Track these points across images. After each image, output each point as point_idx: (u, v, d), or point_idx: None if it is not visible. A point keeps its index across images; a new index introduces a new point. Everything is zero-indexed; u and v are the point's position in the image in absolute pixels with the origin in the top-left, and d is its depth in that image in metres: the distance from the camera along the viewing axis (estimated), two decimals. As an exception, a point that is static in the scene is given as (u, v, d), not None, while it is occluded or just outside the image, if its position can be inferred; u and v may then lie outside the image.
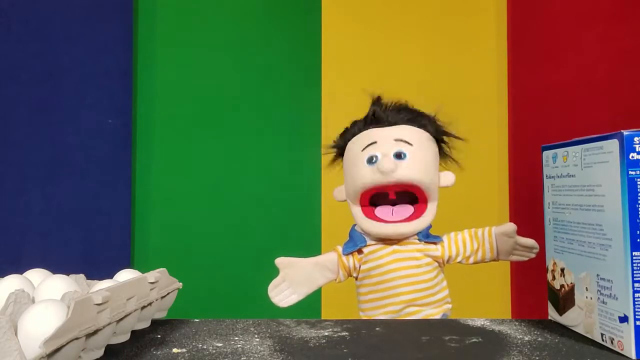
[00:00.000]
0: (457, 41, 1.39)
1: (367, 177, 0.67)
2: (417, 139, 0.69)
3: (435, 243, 0.69)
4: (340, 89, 1.33)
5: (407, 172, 0.66)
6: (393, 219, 0.68)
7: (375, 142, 0.68)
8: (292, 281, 0.68)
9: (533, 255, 0.68)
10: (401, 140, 0.68)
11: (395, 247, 0.68)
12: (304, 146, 1.36)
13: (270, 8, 1.40)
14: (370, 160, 0.67)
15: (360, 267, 0.70)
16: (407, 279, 0.67)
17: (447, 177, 0.72)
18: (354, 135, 0.72)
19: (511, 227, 0.68)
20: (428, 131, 0.71)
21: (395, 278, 0.67)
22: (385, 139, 0.68)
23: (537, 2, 1.33)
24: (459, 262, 0.71)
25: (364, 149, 0.69)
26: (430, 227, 0.70)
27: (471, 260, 0.70)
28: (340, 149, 0.74)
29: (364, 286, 0.70)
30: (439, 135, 0.72)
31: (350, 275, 0.71)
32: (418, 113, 0.72)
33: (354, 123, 0.73)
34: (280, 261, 0.68)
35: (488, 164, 1.36)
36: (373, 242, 0.69)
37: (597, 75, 1.22)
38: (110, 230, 1.29)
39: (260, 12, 1.40)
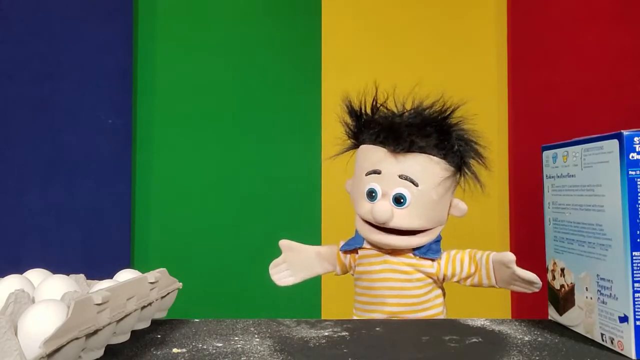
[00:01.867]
0: (457, 41, 1.39)
1: (366, 213, 0.65)
2: (426, 176, 0.64)
3: (432, 260, 0.66)
4: (340, 89, 1.33)
5: (403, 222, 0.64)
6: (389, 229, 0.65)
7: (379, 173, 0.65)
8: (291, 264, 0.70)
9: (535, 290, 0.62)
10: (406, 179, 0.64)
11: (387, 257, 0.66)
12: (304, 146, 1.37)
13: (270, 8, 1.40)
14: (370, 195, 0.65)
15: (355, 267, 0.70)
16: (394, 291, 0.65)
17: (457, 208, 0.68)
18: (365, 141, 0.68)
19: (509, 256, 0.62)
20: (448, 160, 0.65)
21: (382, 288, 0.66)
22: (389, 172, 0.64)
23: (537, 3, 1.33)
24: (457, 282, 0.68)
25: (367, 173, 0.66)
26: (438, 240, 0.68)
27: (468, 282, 0.67)
28: (353, 138, 0.70)
29: (357, 287, 0.70)
30: (460, 165, 0.66)
31: (347, 271, 0.71)
32: (444, 137, 0.64)
33: (373, 111, 0.67)
34: (283, 243, 0.71)
35: (488, 164, 1.36)
36: (368, 247, 0.68)
37: (597, 75, 1.22)
38: (110, 230, 1.29)
39: (260, 12, 1.40)
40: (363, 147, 0.69)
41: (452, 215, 0.68)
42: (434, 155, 0.64)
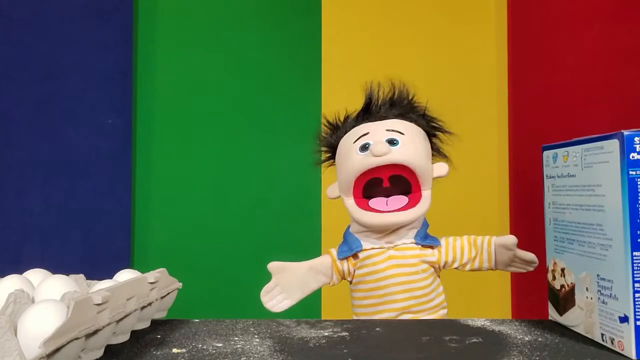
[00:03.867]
0: (458, 41, 1.39)
1: (360, 162, 0.67)
2: (409, 130, 0.69)
3: (432, 247, 0.68)
4: (340, 89, 1.33)
5: (400, 154, 0.66)
6: (388, 209, 0.67)
7: (367, 133, 0.68)
8: (284, 286, 0.66)
9: (531, 269, 0.67)
10: (393, 130, 0.68)
11: (391, 252, 0.67)
12: (304, 146, 1.36)
13: (270, 8, 1.40)
14: (363, 148, 0.67)
15: (354, 271, 0.69)
16: (403, 286, 0.66)
17: (441, 168, 0.71)
18: (345, 132, 0.71)
19: (511, 239, 0.66)
20: (420, 125, 0.71)
21: (390, 285, 0.66)
22: (377, 129, 0.69)
23: (537, 3, 1.33)
24: (455, 268, 0.70)
25: (356, 140, 0.69)
26: (427, 226, 0.70)
27: (467, 267, 0.69)
28: (332, 147, 0.73)
29: (358, 291, 0.69)
30: (430, 129, 0.72)
31: (344, 278, 0.70)
32: (410, 107, 0.72)
33: (346, 119, 0.73)
34: (272, 266, 0.66)
35: (488, 164, 1.36)
36: (369, 247, 0.68)
37: (597, 75, 1.22)
38: (110, 230, 1.29)
39: (260, 12, 1.40)
40: (341, 140, 0.72)
41: (437, 176, 0.71)
42: (407, 120, 0.70)
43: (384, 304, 0.66)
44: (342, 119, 0.74)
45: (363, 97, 0.73)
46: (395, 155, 0.66)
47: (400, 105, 0.72)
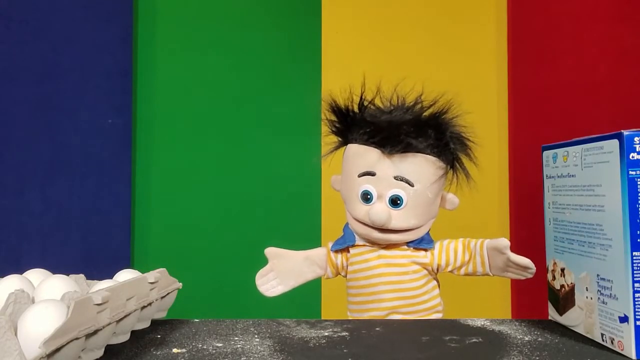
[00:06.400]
0: (458, 41, 1.39)
1: (361, 215, 0.65)
2: (421, 176, 0.63)
3: (425, 250, 0.66)
4: (340, 88, 1.33)
5: (401, 223, 0.64)
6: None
7: (373, 175, 0.64)
8: (279, 272, 0.67)
9: (529, 275, 0.63)
10: (402, 180, 0.63)
11: (382, 251, 0.66)
12: (304, 147, 1.37)
13: (271, 8, 1.40)
14: (365, 198, 0.64)
15: (347, 266, 0.68)
16: (391, 286, 0.65)
17: (451, 201, 0.68)
18: (354, 140, 0.67)
19: (503, 242, 0.62)
20: (441, 158, 0.65)
21: (379, 283, 0.65)
22: (384, 173, 0.63)
23: (537, 3, 1.33)
24: (450, 272, 0.68)
25: (360, 174, 0.65)
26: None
27: (462, 271, 0.67)
28: (341, 135, 0.69)
29: (350, 287, 0.68)
30: (452, 161, 0.66)
31: (338, 273, 0.70)
32: (438, 136, 0.64)
33: (361, 118, 0.66)
34: (269, 251, 0.67)
35: (488, 164, 1.36)
36: (361, 244, 0.67)
37: (597, 75, 1.22)
38: (110, 230, 1.29)
39: (260, 12, 1.40)
40: (353, 146, 0.67)
41: (444, 208, 0.68)
42: (428, 154, 0.64)
43: (373, 302, 0.65)
44: (356, 109, 0.67)
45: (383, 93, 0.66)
46: (395, 225, 0.63)
47: (428, 134, 0.63)
